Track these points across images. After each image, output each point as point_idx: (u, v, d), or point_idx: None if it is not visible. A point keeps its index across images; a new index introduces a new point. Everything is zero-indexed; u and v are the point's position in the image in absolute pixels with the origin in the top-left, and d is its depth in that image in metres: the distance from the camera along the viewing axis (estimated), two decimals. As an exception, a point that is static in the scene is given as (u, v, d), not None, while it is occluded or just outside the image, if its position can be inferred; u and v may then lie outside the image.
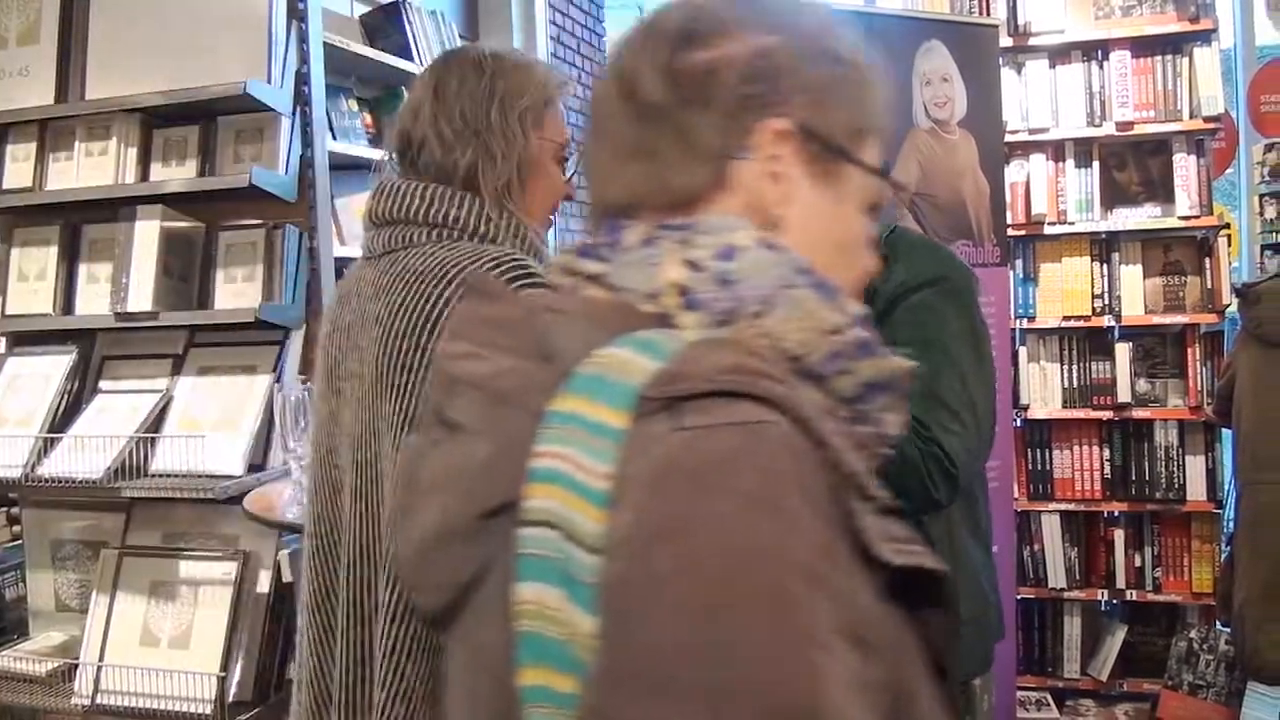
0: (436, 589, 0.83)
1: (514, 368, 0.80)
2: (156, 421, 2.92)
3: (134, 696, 2.79)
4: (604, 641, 0.66)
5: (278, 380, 2.89)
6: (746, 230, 0.81)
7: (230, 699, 2.76)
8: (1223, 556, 4.07)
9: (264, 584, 2.84)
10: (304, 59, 3.00)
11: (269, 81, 2.90)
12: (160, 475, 2.83)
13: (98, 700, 2.81)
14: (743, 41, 0.84)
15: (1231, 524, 3.94)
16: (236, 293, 2.95)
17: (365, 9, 4.05)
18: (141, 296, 2.92)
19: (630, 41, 0.89)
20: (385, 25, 3.95)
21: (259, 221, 2.99)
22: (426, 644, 1.47)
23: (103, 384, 3.09)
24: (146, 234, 2.95)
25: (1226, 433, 3.98)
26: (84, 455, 2.86)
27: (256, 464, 2.85)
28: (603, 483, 0.69)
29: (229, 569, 2.83)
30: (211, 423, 2.89)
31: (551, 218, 1.75)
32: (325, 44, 3.12)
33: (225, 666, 2.76)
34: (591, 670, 0.67)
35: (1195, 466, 4.21)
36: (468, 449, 0.80)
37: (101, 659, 2.85)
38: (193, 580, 2.86)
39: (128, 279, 2.94)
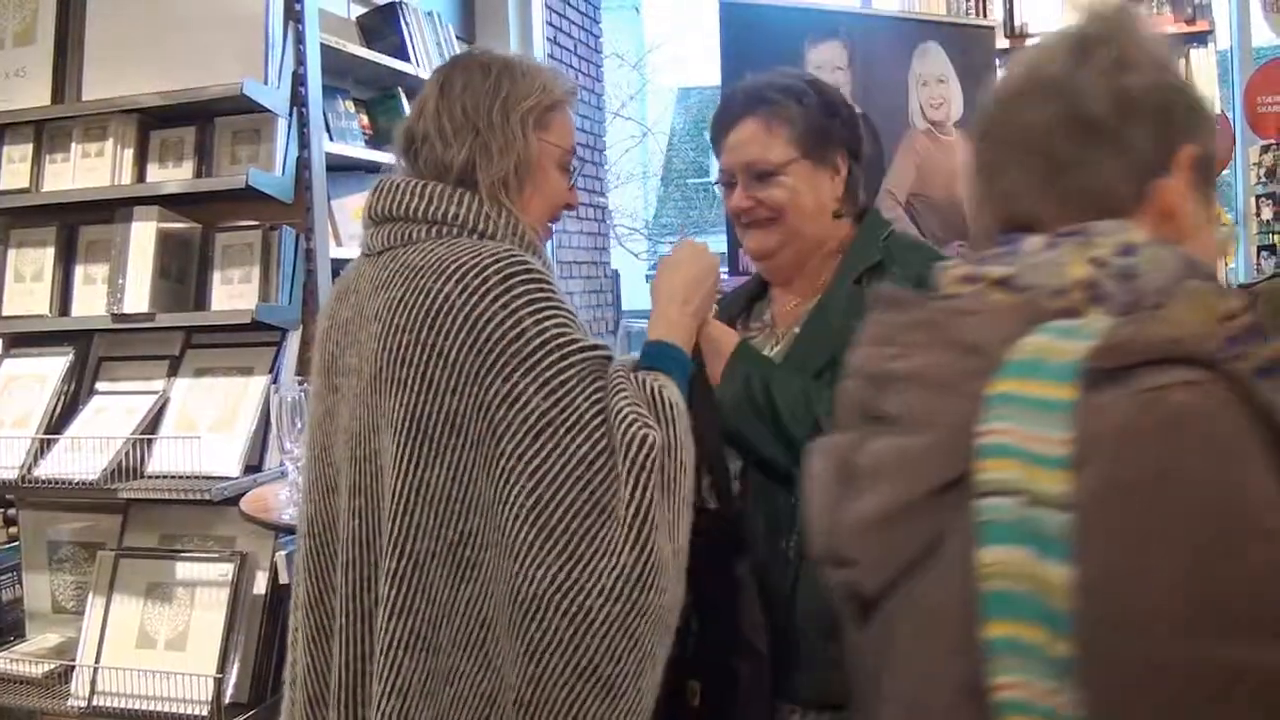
0: (879, 566, 0.92)
1: (940, 361, 0.91)
2: (153, 423, 2.92)
3: (130, 698, 2.78)
4: (1101, 588, 0.75)
5: (274, 381, 2.89)
6: (1137, 230, 0.91)
7: (227, 700, 2.76)
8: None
9: (261, 585, 2.84)
10: (300, 60, 3.00)
11: (265, 82, 2.90)
12: (157, 477, 2.84)
13: (94, 702, 2.81)
14: (1161, 71, 0.96)
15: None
16: (233, 294, 2.95)
17: (362, 10, 4.05)
18: (138, 298, 2.92)
19: (1059, 63, 0.96)
20: (382, 26, 3.94)
21: (255, 223, 2.99)
22: (426, 640, 1.47)
23: (99, 385, 3.09)
24: (143, 235, 2.95)
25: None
26: (81, 456, 2.86)
27: (253, 465, 2.85)
28: (1061, 449, 0.78)
29: (225, 570, 2.83)
30: (208, 424, 2.89)
31: (551, 225, 1.74)
32: (322, 45, 3.12)
33: (222, 668, 2.76)
34: (1089, 615, 0.75)
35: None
36: (908, 436, 0.91)
37: (98, 661, 2.84)
38: (189, 582, 2.86)
39: (124, 280, 2.94)
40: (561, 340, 1.48)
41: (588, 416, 1.46)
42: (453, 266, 1.49)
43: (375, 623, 1.50)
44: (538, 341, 1.46)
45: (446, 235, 1.56)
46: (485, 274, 1.48)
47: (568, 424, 1.45)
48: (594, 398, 1.48)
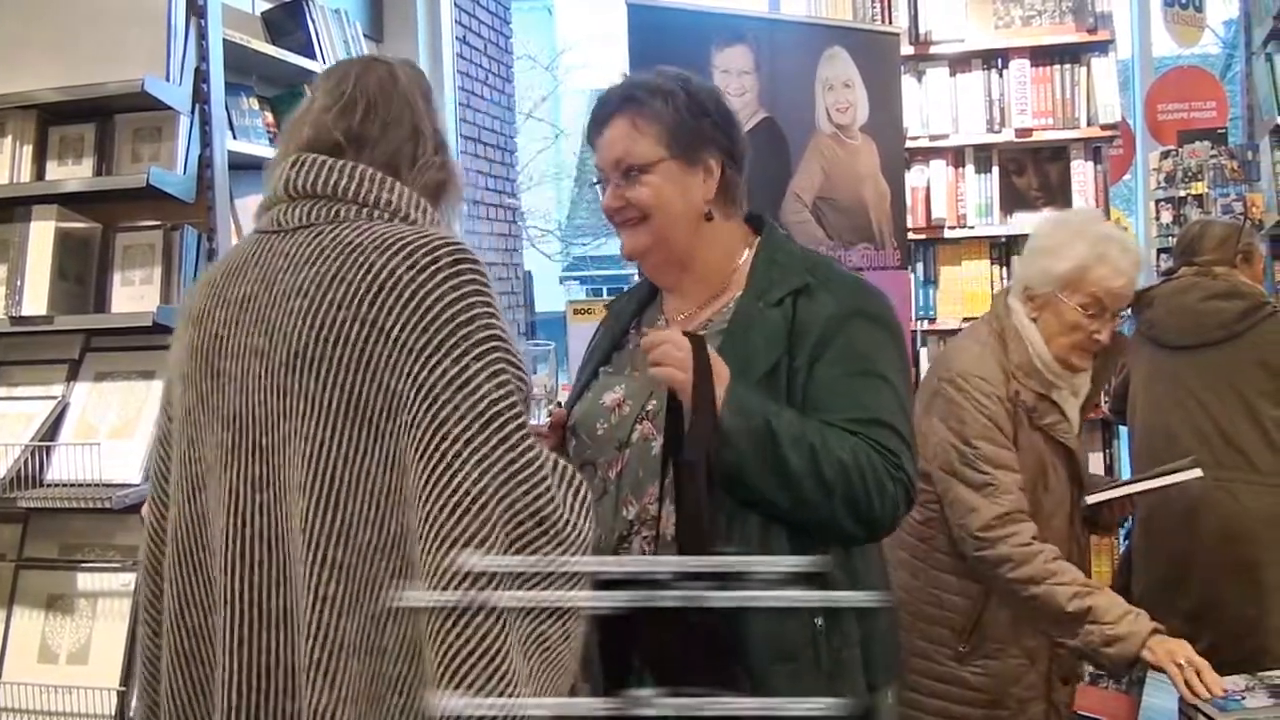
0: None
1: None
2: (52, 429, 2.84)
3: (32, 715, 2.71)
4: None
5: (177, 385, 2.82)
6: None
7: (131, 714, 2.69)
8: (1121, 550, 4.17)
9: (164, 594, 2.78)
10: (203, 56, 2.95)
11: (168, 79, 2.84)
12: (56, 485, 2.76)
13: (-7, 719, 2.73)
14: None
15: (1130, 519, 4.03)
16: (134, 296, 2.89)
17: (267, 6, 3.98)
18: (36, 300, 2.84)
19: None
20: (287, 23, 3.88)
21: (157, 222, 2.92)
22: (372, 642, 1.37)
23: (-4, 390, 3.00)
24: (41, 235, 2.87)
25: (1124, 429, 4.08)
26: (-24, 465, 2.77)
27: (156, 471, 2.78)
28: None
29: (128, 580, 2.76)
30: (108, 430, 2.82)
31: None
32: (225, 41, 3.07)
33: (126, 681, 2.69)
34: None
35: (1094, 463, 4.31)
36: None
37: (-2, 676, 2.77)
38: (91, 593, 2.79)
39: (22, 282, 2.85)
40: (505, 342, 1.43)
41: (524, 420, 1.40)
42: (399, 244, 1.42)
43: (290, 628, 1.39)
44: (488, 332, 1.40)
45: (379, 219, 1.49)
46: (436, 253, 1.41)
47: (517, 418, 1.38)
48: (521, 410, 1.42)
